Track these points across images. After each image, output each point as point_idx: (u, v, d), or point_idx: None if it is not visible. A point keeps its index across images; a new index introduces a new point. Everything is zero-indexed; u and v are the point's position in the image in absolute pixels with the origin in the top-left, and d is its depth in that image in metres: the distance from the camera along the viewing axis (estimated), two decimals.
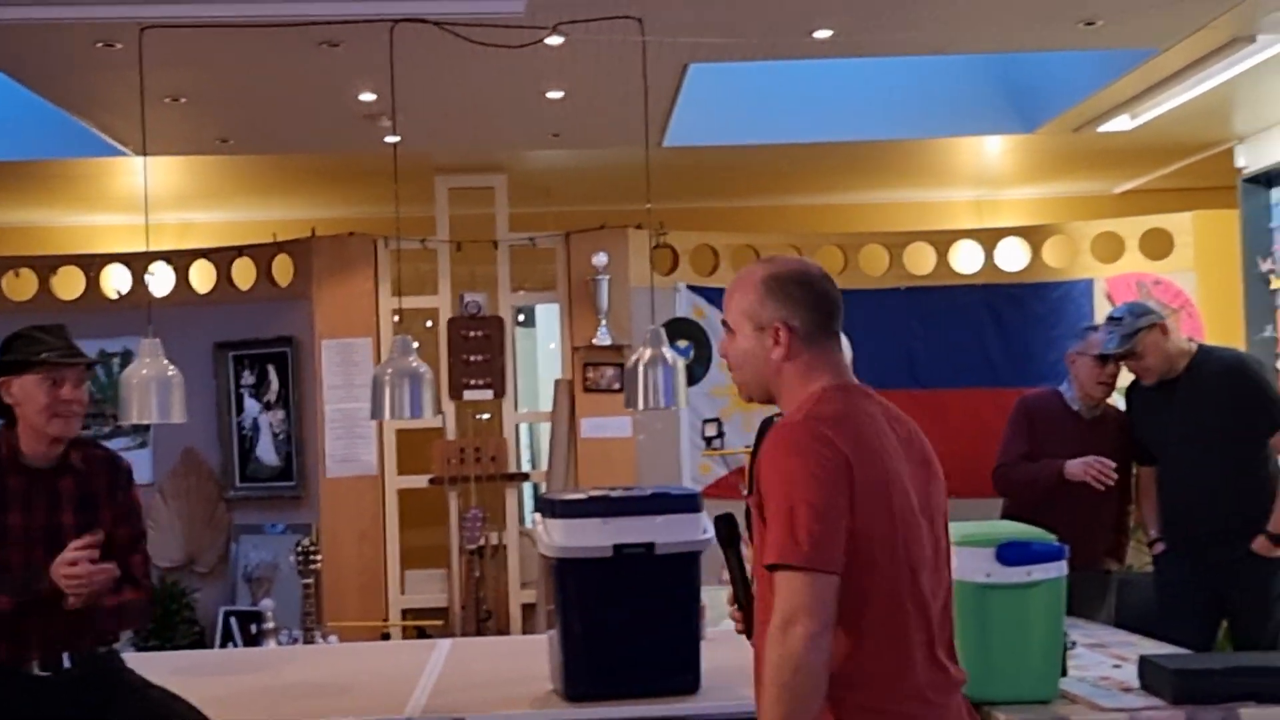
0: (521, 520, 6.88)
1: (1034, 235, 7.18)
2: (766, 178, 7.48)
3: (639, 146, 4.86)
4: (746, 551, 2.51)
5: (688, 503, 3.25)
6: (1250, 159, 6.32)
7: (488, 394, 6.86)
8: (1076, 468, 4.80)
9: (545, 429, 7.38)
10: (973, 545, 3.26)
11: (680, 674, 3.27)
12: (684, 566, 3.23)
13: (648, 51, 4.21)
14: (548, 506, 3.29)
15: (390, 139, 5.05)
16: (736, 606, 2.53)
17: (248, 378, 6.95)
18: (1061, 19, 4.31)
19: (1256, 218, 6.06)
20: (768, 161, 6.94)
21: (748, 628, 2.49)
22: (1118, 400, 5.12)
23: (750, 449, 4.92)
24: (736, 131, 6.31)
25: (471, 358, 6.85)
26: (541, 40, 4.23)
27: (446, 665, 3.87)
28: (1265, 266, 6.02)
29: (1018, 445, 5.04)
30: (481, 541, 6.61)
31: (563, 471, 6.78)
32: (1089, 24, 4.34)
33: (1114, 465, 4.80)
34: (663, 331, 4.39)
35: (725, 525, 2.59)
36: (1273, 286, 6.00)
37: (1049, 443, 4.95)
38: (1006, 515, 4.91)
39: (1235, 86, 5.34)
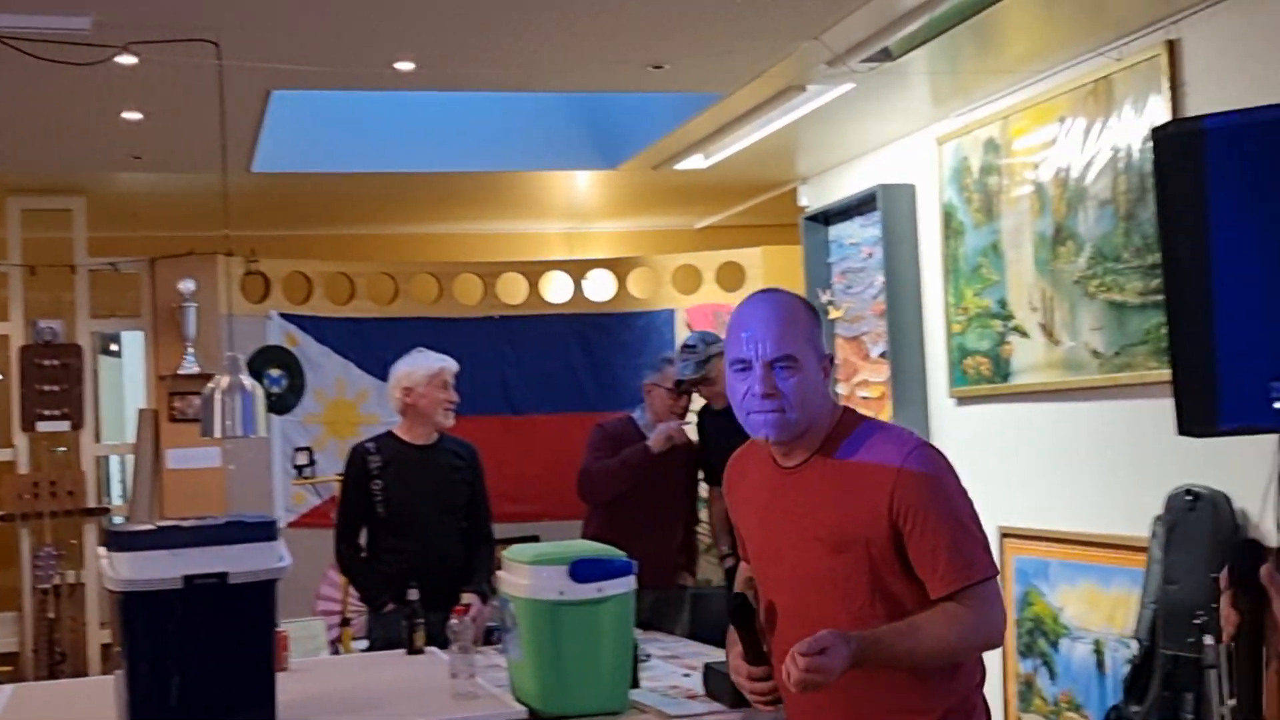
0: None
1: (620, 267, 7.49)
2: (361, 206, 7.45)
3: (228, 171, 4.76)
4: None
5: (263, 531, 3.21)
6: (811, 198, 6.82)
7: (64, 425, 6.51)
8: (658, 436, 5.10)
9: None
10: (546, 564, 3.38)
11: (255, 707, 3.21)
12: (259, 596, 3.18)
13: (226, 76, 4.14)
14: (114, 539, 3.18)
15: None
16: (754, 679, 2.47)
17: None
18: (631, 62, 4.54)
19: (816, 253, 6.53)
20: (362, 190, 6.92)
21: (773, 696, 2.48)
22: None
23: (341, 476, 4.88)
24: (330, 159, 6.27)
25: (46, 387, 6.49)
26: (112, 59, 4.08)
27: (5, 713, 3.65)
28: (825, 298, 6.50)
29: (599, 457, 5.25)
30: (56, 580, 6.26)
31: (146, 504, 6.51)
32: (657, 67, 4.59)
33: (686, 422, 5.15)
34: (241, 359, 4.32)
35: (740, 605, 2.45)
36: (831, 316, 6.49)
37: None
38: (586, 537, 5.10)
39: (795, 131, 5.75)
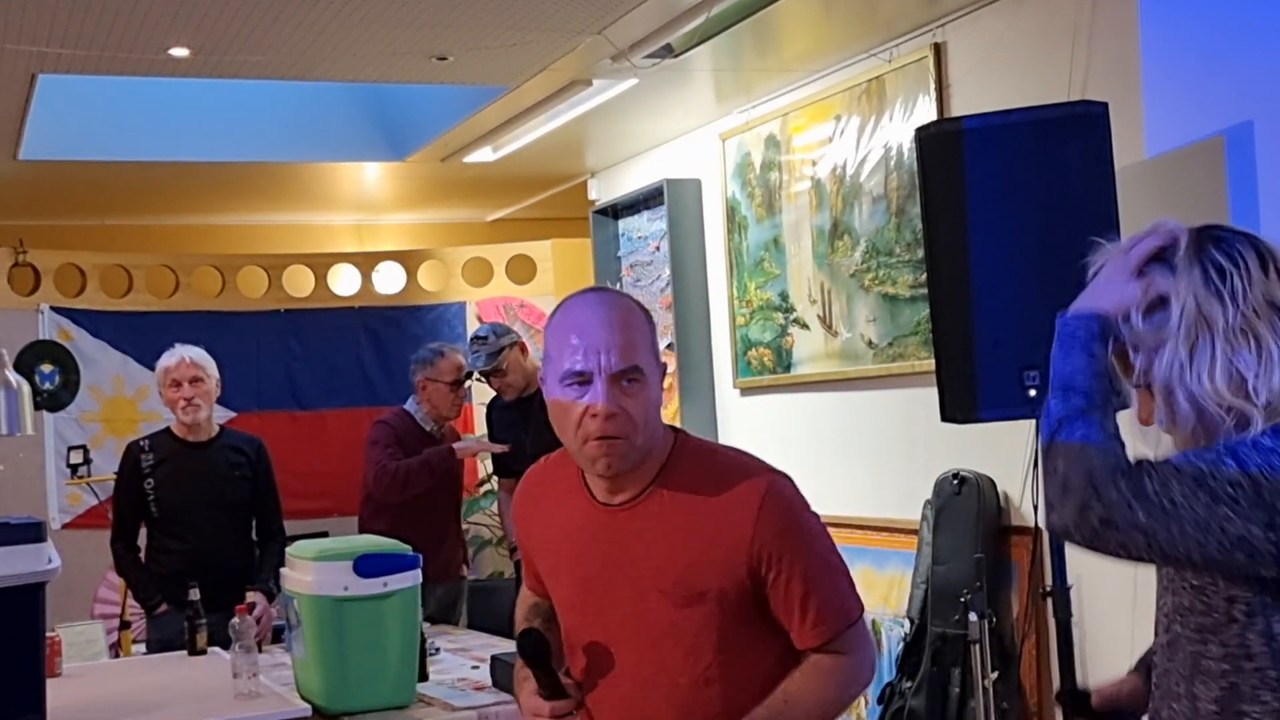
0: None
1: (410, 260, 7.43)
2: (139, 196, 7.21)
3: None
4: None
5: (29, 533, 3.09)
6: (600, 192, 6.88)
7: None
8: (472, 444, 5.12)
9: None
10: (330, 559, 3.35)
11: (24, 715, 3.10)
12: (26, 600, 3.07)
13: None
14: None
15: None
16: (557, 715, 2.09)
17: None
18: (414, 53, 4.51)
19: (606, 246, 6.60)
20: (140, 179, 6.70)
21: None
22: (481, 411, 5.44)
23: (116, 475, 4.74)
24: (104, 146, 6.05)
25: None
26: None
27: None
28: None
29: (392, 455, 5.19)
30: None
31: None
32: (441, 59, 4.57)
33: (504, 447, 5.14)
34: (5, 354, 4.15)
35: (532, 643, 2.07)
36: None
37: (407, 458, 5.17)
38: (365, 532, 5.05)
39: (583, 124, 5.80)
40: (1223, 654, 1.64)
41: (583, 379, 2.03)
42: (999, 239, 3.20)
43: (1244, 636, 1.62)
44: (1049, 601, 3.35)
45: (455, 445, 5.17)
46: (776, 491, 2.08)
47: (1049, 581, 3.38)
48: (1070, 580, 3.36)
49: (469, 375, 5.26)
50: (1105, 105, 3.25)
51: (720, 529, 2.06)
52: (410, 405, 5.31)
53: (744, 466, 2.12)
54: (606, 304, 2.08)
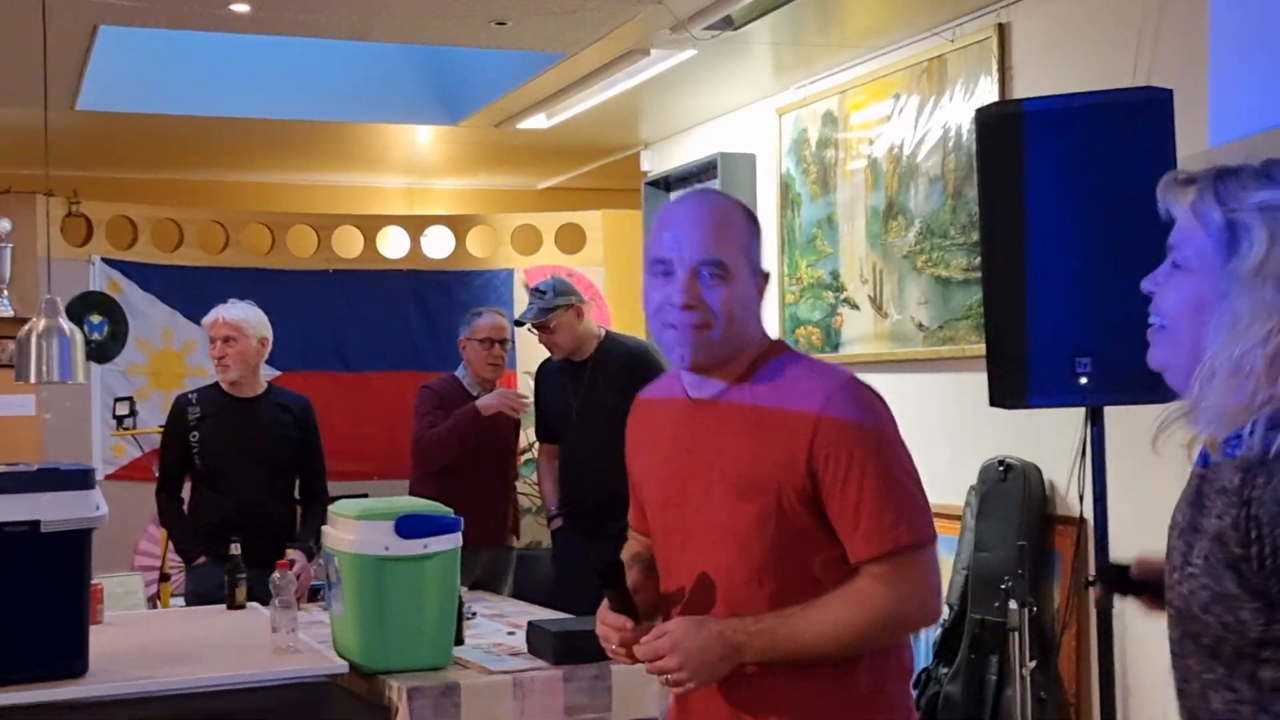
0: None
1: (459, 225, 7.43)
2: (192, 150, 7.25)
3: (50, 108, 4.58)
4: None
5: (78, 479, 3.12)
6: (653, 164, 6.86)
7: None
8: (492, 399, 5.06)
9: None
10: (372, 519, 3.36)
11: (67, 658, 3.14)
12: (73, 546, 3.10)
13: (51, 8, 3.98)
14: None
15: None
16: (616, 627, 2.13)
17: None
18: (473, 17, 4.50)
19: None
20: (194, 133, 6.73)
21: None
22: (527, 380, 5.43)
23: (163, 428, 4.78)
24: (160, 99, 6.08)
25: None
26: None
27: None
28: None
29: (432, 422, 5.20)
30: None
31: None
32: (500, 24, 4.55)
33: (525, 397, 5.10)
34: (60, 301, 4.18)
35: (610, 565, 2.12)
36: None
37: None
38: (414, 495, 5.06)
39: (639, 95, 5.78)
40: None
41: (666, 268, 2.06)
42: (1056, 224, 3.16)
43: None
44: (1090, 591, 3.32)
45: (478, 402, 5.10)
46: (849, 391, 2.04)
47: (1092, 572, 3.35)
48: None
49: (503, 342, 5.22)
50: (1170, 92, 3.21)
51: (787, 423, 2.03)
52: (460, 371, 5.32)
53: (825, 371, 2.10)
54: (703, 201, 2.14)
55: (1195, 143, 3.58)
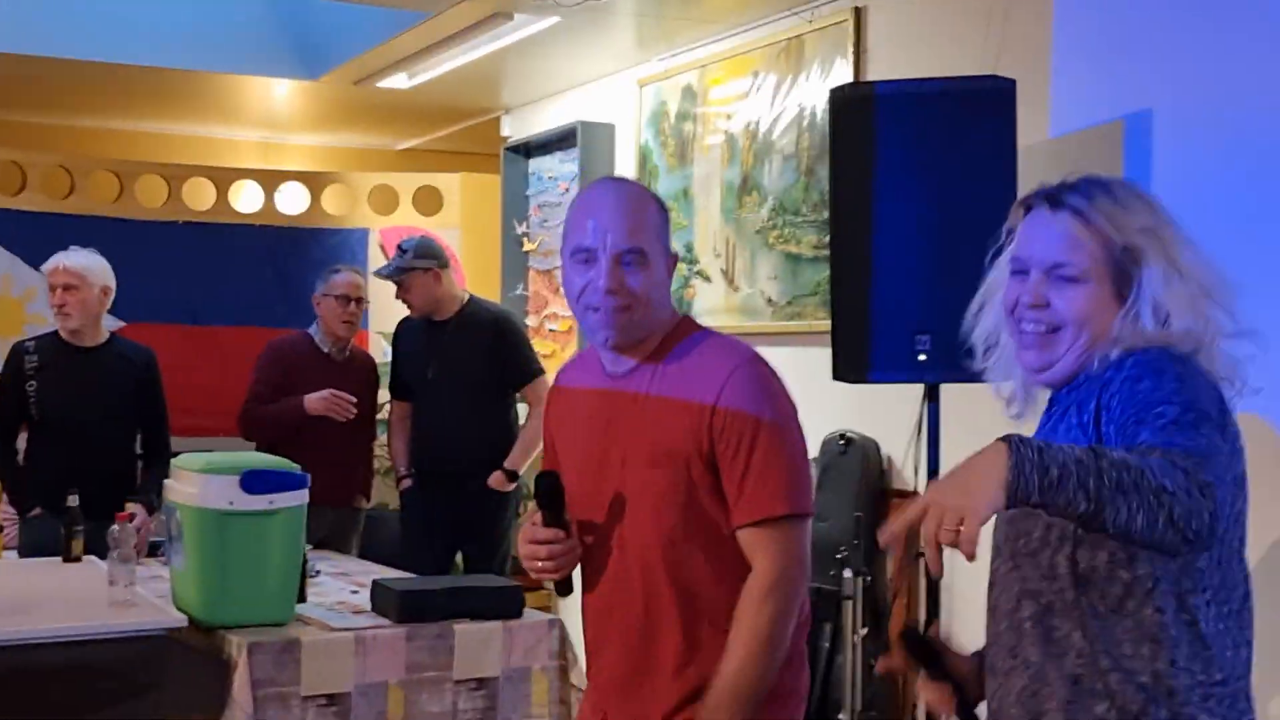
0: None
1: (315, 182, 7.33)
2: (35, 92, 7.01)
3: None
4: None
5: None
6: (513, 129, 6.85)
7: None
8: (317, 402, 4.99)
9: None
10: (217, 473, 3.33)
11: None
12: None
13: None
14: None
15: None
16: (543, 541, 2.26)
17: None
18: None
19: (515, 184, 6.58)
20: (37, 75, 6.51)
21: (566, 587, 2.31)
22: (380, 341, 5.39)
23: None
24: (5, 38, 5.87)
25: None
26: None
27: None
28: (521, 230, 6.57)
29: (265, 387, 5.13)
30: None
31: None
32: None
33: (354, 400, 5.02)
34: None
35: (548, 484, 2.26)
36: (526, 248, 6.56)
37: (301, 385, 5.07)
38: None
39: (502, 59, 5.76)
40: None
41: (589, 256, 2.22)
42: (902, 205, 3.26)
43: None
44: (921, 562, 3.45)
45: (306, 400, 5.01)
46: (749, 368, 2.22)
47: (920, 552, 3.47)
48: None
49: (358, 300, 5.17)
50: (1013, 82, 3.33)
51: (693, 395, 2.20)
52: (312, 328, 5.26)
53: (731, 345, 2.29)
54: (620, 190, 2.29)
55: (1037, 133, 3.73)
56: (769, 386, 2.23)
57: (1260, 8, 3.24)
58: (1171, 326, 1.70)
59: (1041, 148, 3.66)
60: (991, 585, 1.84)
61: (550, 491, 2.26)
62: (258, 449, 4.98)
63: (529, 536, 2.28)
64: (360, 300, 5.18)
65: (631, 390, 2.27)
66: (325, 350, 5.18)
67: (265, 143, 8.32)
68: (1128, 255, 1.72)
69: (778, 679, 2.22)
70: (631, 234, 2.21)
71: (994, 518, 1.75)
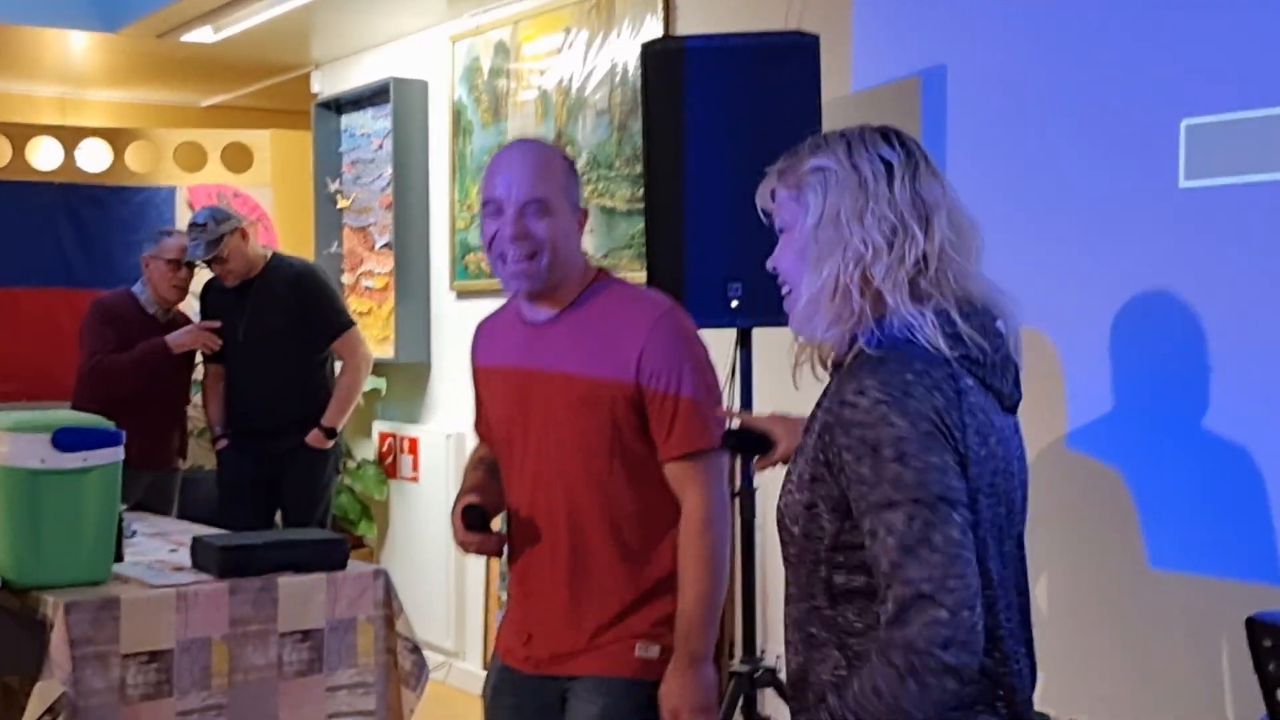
0: None
1: (117, 138, 7.13)
2: None
3: None
4: None
5: None
6: (325, 85, 6.76)
7: None
8: (183, 336, 4.97)
9: None
10: (26, 431, 3.27)
11: None
12: None
13: None
14: None
15: None
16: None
17: None
18: None
19: (327, 141, 6.51)
20: None
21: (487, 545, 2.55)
22: (191, 303, 5.31)
23: None
24: None
25: None
26: None
27: None
28: (334, 187, 6.50)
29: (103, 342, 5.03)
30: None
31: None
32: None
33: (216, 328, 5.00)
34: None
35: (477, 515, 2.49)
36: (339, 206, 6.50)
37: (126, 344, 5.01)
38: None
39: (310, 14, 5.69)
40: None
41: (498, 207, 2.38)
42: (712, 157, 3.36)
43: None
44: (736, 502, 3.58)
45: (169, 338, 5.00)
46: (672, 316, 2.42)
47: (738, 483, 3.61)
48: (756, 484, 3.60)
49: (190, 265, 5.10)
50: (816, 38, 3.45)
51: (618, 341, 2.38)
52: (137, 288, 5.16)
53: (648, 296, 2.50)
54: (526, 148, 2.46)
55: (840, 87, 3.87)
56: (690, 333, 2.44)
57: None
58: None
59: (844, 101, 3.80)
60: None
61: (476, 524, 2.46)
62: (77, 408, 4.88)
63: (461, 539, 2.50)
64: (192, 265, 5.09)
65: (553, 337, 2.43)
66: (149, 311, 5.10)
67: (64, 98, 8.04)
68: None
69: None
70: (534, 185, 2.36)
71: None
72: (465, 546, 2.50)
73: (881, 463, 1.62)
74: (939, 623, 1.57)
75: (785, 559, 1.82)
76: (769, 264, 1.85)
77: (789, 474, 1.81)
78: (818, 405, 1.81)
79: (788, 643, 1.83)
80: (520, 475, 2.50)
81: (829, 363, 1.82)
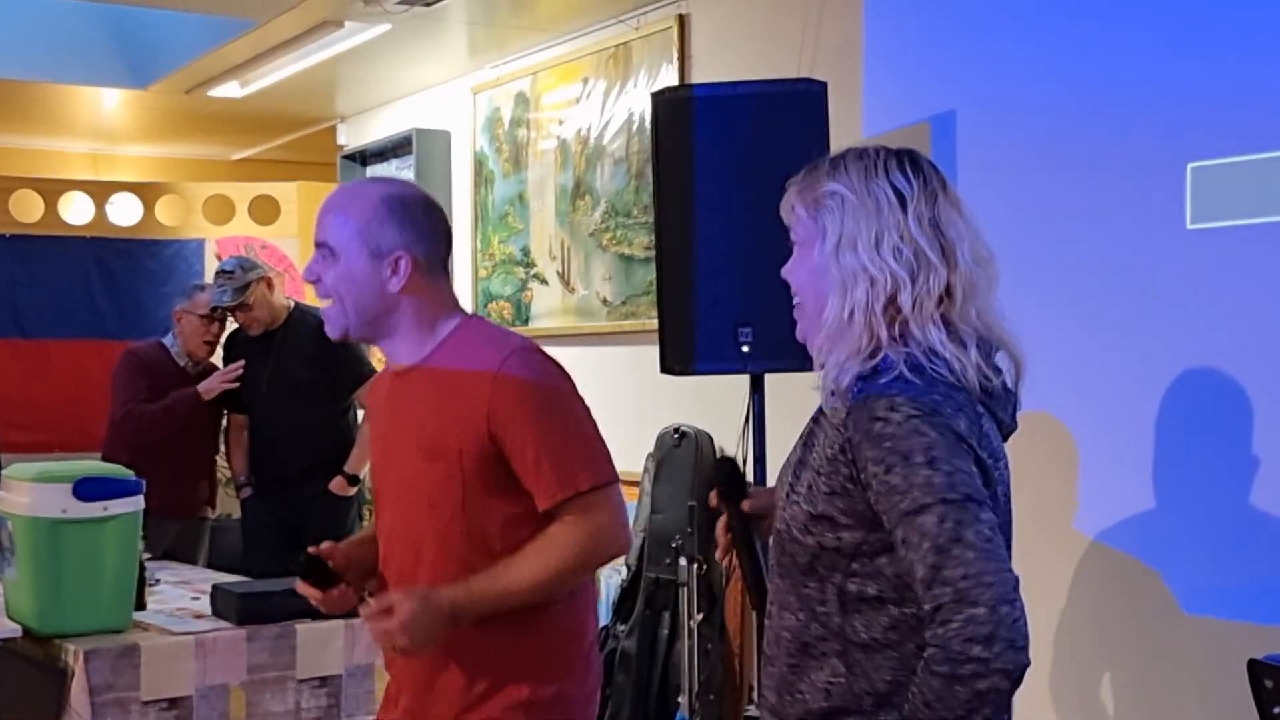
0: None
1: (147, 192, 7.23)
2: None
3: None
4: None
5: None
6: (349, 138, 6.86)
7: None
8: (213, 382, 5.02)
9: None
10: (48, 482, 3.30)
11: None
12: None
13: None
14: None
15: None
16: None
17: None
18: None
19: None
20: None
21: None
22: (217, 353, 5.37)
23: None
24: None
25: None
26: None
27: None
28: None
29: (135, 391, 5.09)
30: None
31: None
32: None
33: (240, 370, 5.05)
34: None
35: (309, 565, 2.32)
36: None
37: (157, 394, 5.07)
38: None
39: (334, 68, 5.78)
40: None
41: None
42: (722, 203, 3.39)
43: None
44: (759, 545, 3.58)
45: (200, 386, 5.06)
46: (519, 358, 2.21)
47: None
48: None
49: (216, 311, 5.16)
50: (824, 85, 3.49)
51: (464, 392, 2.21)
52: (168, 339, 5.22)
53: (497, 338, 2.30)
54: (344, 189, 2.37)
55: (851, 133, 3.89)
56: (548, 365, 2.26)
57: (1052, 17, 3.45)
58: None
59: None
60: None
61: (313, 576, 2.33)
62: (107, 458, 4.93)
63: (303, 591, 2.36)
64: (224, 321, 5.16)
65: (409, 386, 2.30)
66: (180, 364, 5.16)
67: (95, 154, 8.17)
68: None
69: (556, 689, 2.26)
70: (324, 229, 2.27)
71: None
72: (312, 601, 2.36)
73: (913, 469, 1.65)
74: (975, 620, 1.58)
75: (781, 571, 1.84)
76: (782, 273, 1.88)
77: (792, 487, 1.83)
78: (813, 421, 1.85)
79: (769, 657, 1.84)
80: (381, 529, 2.38)
81: (844, 385, 1.83)
